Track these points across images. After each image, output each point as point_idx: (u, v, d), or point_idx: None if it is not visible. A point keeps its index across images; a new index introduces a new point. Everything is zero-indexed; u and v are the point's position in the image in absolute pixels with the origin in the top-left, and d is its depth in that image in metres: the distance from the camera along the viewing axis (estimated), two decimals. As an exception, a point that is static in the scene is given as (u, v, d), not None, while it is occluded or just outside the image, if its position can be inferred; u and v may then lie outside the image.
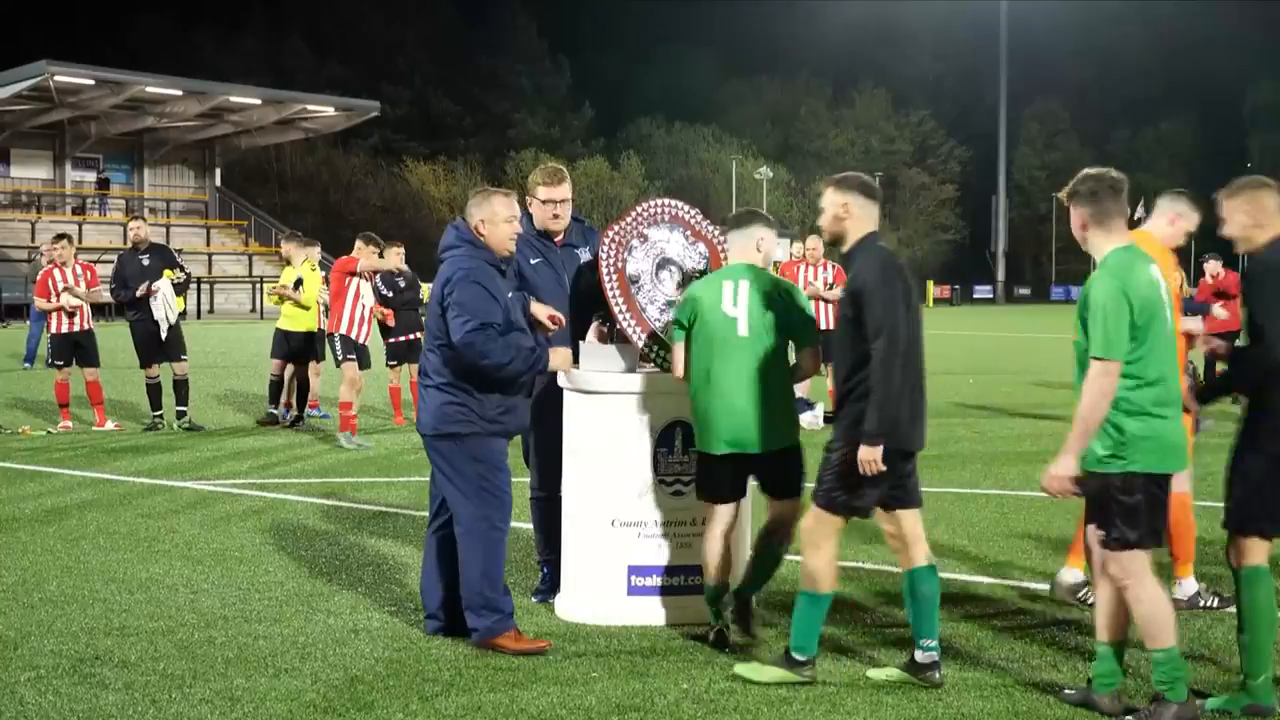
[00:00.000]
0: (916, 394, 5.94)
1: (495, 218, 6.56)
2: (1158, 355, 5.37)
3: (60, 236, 16.28)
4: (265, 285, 53.37)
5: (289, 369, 16.14)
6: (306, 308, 15.84)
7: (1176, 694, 5.35)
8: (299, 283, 15.87)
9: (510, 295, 6.59)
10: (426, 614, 6.76)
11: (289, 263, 16.53)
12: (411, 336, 16.01)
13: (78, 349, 15.59)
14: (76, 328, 15.56)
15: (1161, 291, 5.48)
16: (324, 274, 15.72)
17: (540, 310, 6.98)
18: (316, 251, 16.65)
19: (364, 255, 14.39)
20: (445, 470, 6.55)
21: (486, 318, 6.32)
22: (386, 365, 16.45)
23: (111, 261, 18.15)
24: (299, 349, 15.94)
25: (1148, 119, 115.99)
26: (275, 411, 16.20)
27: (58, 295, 15.46)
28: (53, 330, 15.75)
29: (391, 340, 16.07)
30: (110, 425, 15.62)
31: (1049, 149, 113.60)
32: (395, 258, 15.50)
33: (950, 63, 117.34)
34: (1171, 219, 7.15)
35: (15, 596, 7.46)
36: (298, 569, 8.21)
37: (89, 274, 15.84)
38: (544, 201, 7.34)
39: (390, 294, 15.46)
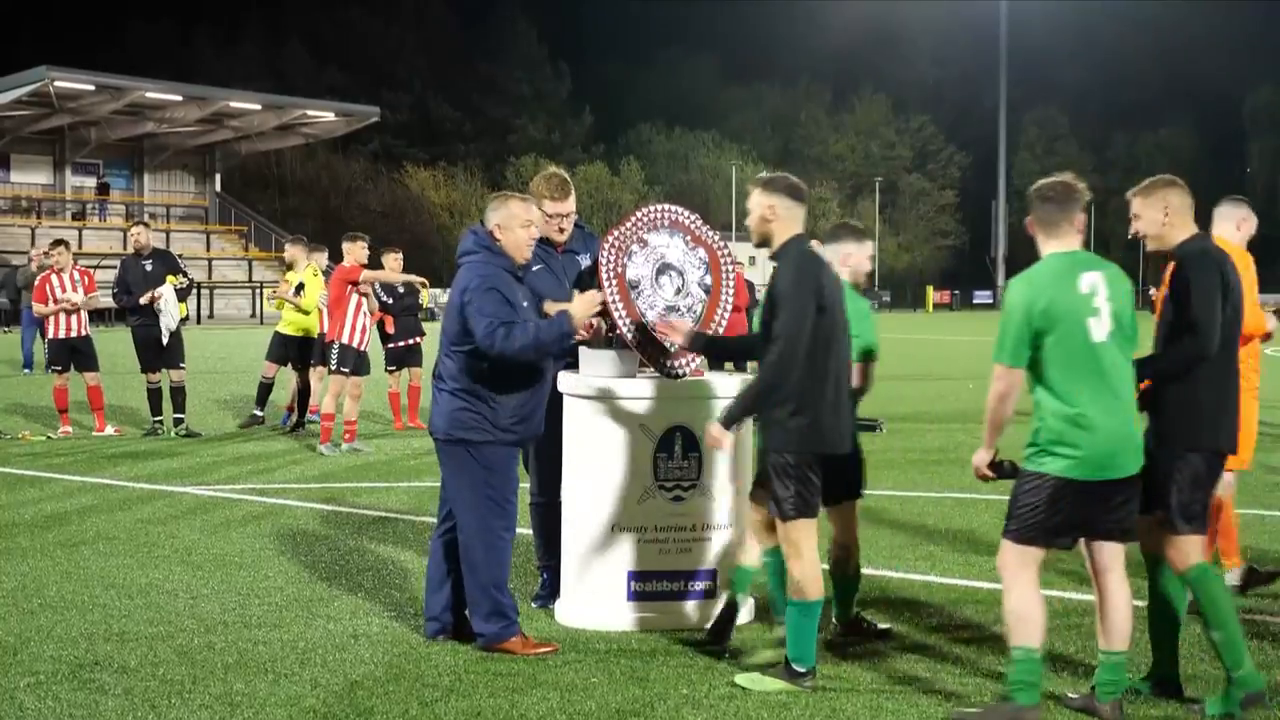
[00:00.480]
0: (837, 397, 5.98)
1: (511, 222, 6.55)
2: (1072, 364, 5.43)
3: (57, 242, 16.21)
4: (265, 290, 53.48)
5: (293, 376, 16.09)
6: (307, 312, 15.82)
7: (1026, 697, 5.41)
8: (300, 287, 15.86)
9: (525, 304, 6.57)
10: (427, 616, 6.76)
11: (291, 266, 16.51)
12: (411, 341, 16.04)
13: (75, 354, 15.58)
14: (74, 333, 15.53)
15: (1095, 300, 5.47)
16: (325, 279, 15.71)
17: (552, 309, 6.98)
18: (323, 257, 16.60)
19: (355, 254, 14.31)
20: (453, 474, 6.56)
21: (505, 319, 6.32)
22: (386, 370, 16.47)
23: (111, 267, 18.16)
24: (297, 353, 15.93)
25: (1147, 124, 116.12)
26: (260, 414, 16.13)
27: (55, 301, 15.44)
28: (50, 336, 15.72)
29: (391, 345, 16.09)
30: (110, 430, 15.61)
31: (1049, 154, 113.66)
32: (394, 262, 15.44)
33: (950, 68, 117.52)
34: (1238, 223, 7.48)
35: (15, 602, 7.45)
36: (297, 574, 8.21)
37: (86, 279, 15.81)
38: (550, 216, 7.33)
39: (390, 300, 15.48)
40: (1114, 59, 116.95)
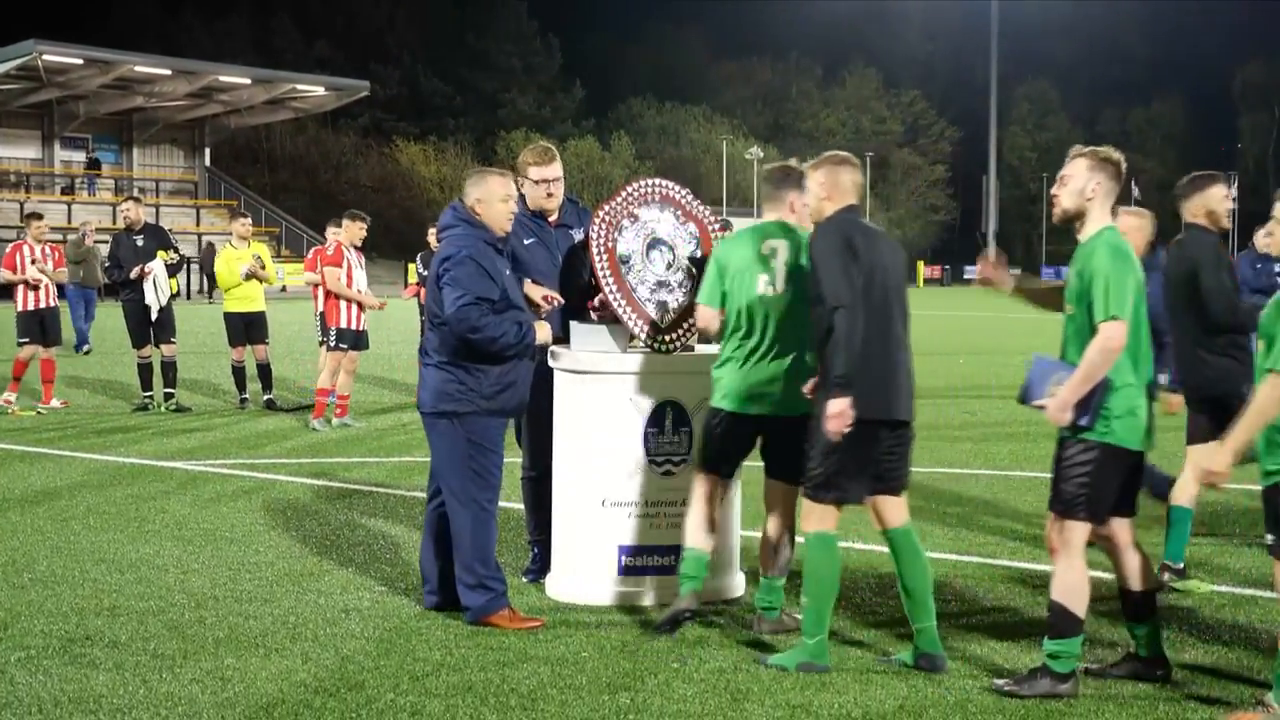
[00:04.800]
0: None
1: (491, 197, 6.55)
2: (743, 310, 6.23)
3: (29, 215, 16.68)
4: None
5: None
6: (273, 283, 15.87)
7: (688, 587, 6.28)
8: (259, 260, 15.75)
9: (507, 274, 6.58)
10: (425, 589, 6.81)
11: (245, 239, 16.26)
12: None
13: (41, 325, 15.70)
14: (42, 304, 15.68)
15: (774, 261, 6.25)
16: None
17: (535, 291, 6.99)
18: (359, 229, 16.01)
19: (351, 234, 14.22)
20: (439, 447, 6.57)
21: (481, 293, 6.32)
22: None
23: (101, 242, 18.22)
24: (250, 331, 15.80)
25: (1138, 98, 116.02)
26: (246, 396, 15.96)
27: (22, 271, 15.63)
28: (19, 308, 15.79)
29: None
30: (56, 404, 15.71)
31: (1040, 128, 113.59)
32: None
33: (941, 42, 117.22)
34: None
35: (5, 577, 7.45)
36: (288, 549, 8.21)
37: (56, 254, 16.19)
38: (536, 181, 7.35)
39: (426, 272, 15.52)
40: (1105, 33, 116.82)
